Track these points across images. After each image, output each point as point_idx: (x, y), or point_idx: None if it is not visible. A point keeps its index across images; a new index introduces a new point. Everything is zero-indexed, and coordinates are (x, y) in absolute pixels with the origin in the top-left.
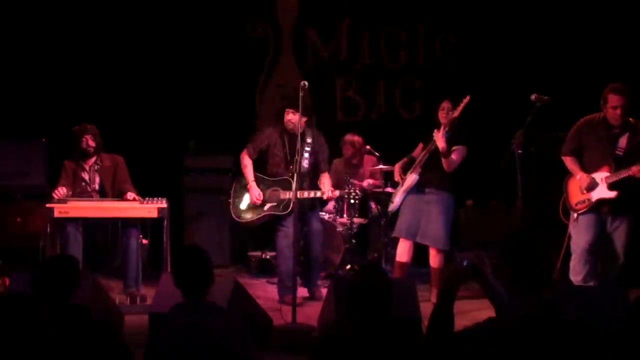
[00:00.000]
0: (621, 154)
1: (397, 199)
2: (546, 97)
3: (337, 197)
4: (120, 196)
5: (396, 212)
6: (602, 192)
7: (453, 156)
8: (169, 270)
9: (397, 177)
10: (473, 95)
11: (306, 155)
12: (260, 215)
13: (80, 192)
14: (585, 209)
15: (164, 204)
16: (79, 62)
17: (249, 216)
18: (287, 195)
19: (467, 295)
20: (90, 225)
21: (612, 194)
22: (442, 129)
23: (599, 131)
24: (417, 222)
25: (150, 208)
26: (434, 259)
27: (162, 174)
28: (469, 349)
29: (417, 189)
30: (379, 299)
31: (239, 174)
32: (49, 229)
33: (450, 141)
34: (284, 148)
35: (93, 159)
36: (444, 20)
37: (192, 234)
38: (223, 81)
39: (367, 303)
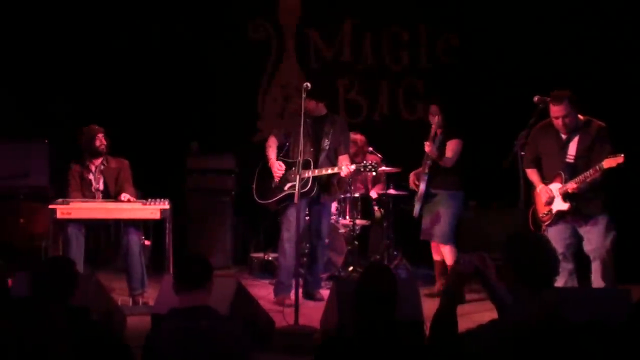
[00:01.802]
0: (572, 160)
1: (416, 207)
2: (549, 99)
3: (354, 170)
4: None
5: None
6: (559, 204)
7: (448, 153)
8: (171, 271)
9: (411, 185)
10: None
11: (327, 141)
12: (281, 195)
13: (84, 193)
14: (549, 221)
15: (166, 205)
16: (81, 63)
17: (270, 196)
18: (307, 174)
19: (470, 297)
20: (92, 225)
21: (566, 206)
22: (431, 137)
23: (550, 138)
24: (429, 223)
25: (153, 209)
26: (437, 251)
27: (164, 175)
28: (472, 351)
29: (427, 193)
30: (385, 299)
31: (263, 160)
32: (51, 229)
33: (443, 141)
34: (306, 127)
35: (100, 160)
36: (446, 21)
37: (194, 235)
38: (225, 82)
39: (372, 303)
